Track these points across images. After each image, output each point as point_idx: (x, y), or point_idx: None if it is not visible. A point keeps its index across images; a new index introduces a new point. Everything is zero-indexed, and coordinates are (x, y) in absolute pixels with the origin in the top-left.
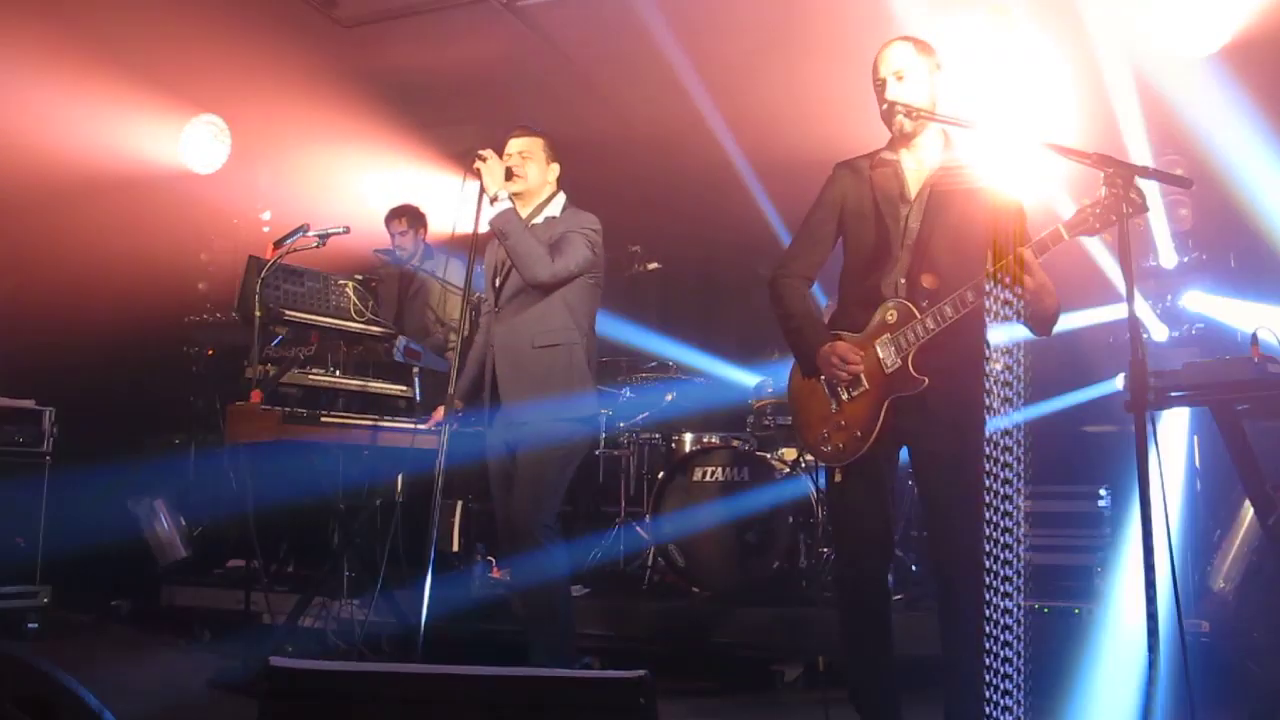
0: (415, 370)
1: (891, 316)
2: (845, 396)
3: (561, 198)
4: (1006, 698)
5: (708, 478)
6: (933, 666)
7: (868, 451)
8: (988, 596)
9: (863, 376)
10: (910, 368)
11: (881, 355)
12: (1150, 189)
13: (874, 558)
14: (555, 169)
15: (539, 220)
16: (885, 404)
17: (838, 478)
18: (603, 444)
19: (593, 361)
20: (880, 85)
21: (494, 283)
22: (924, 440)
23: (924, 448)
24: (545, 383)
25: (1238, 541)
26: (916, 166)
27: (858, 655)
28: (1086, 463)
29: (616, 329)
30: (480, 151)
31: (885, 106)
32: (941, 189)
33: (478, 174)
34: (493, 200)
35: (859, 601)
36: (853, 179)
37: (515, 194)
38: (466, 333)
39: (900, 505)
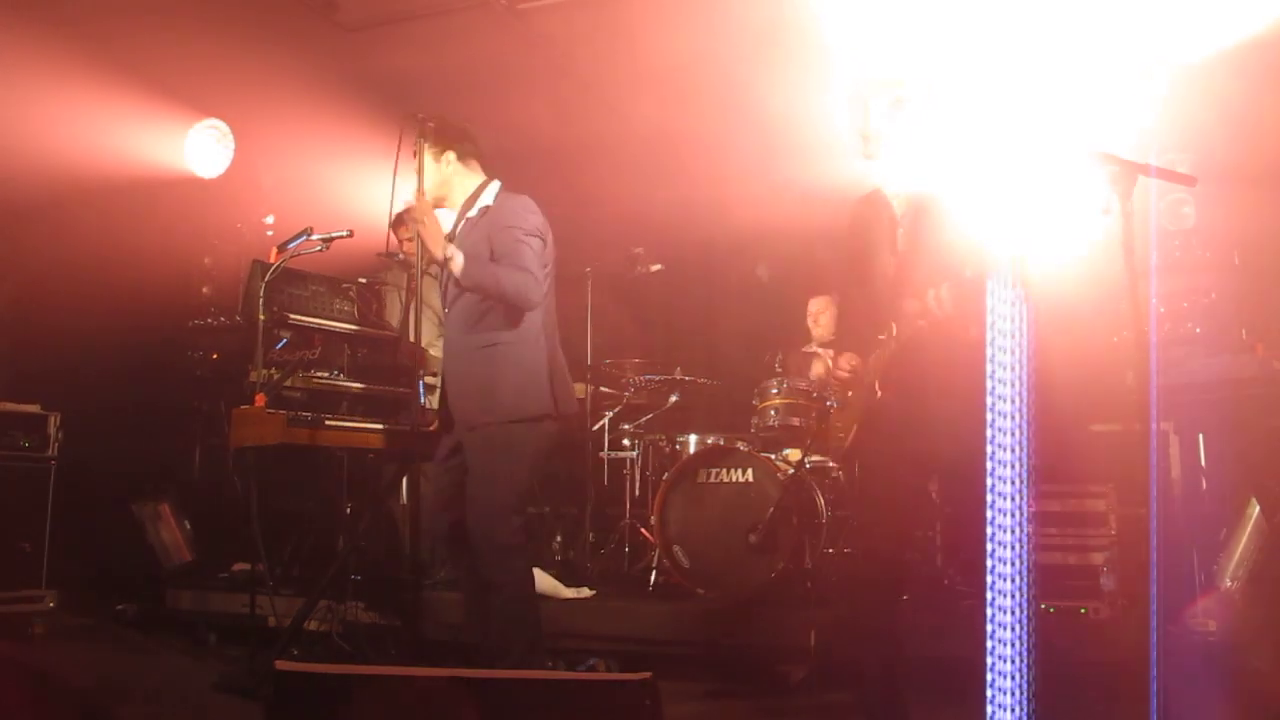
0: (420, 374)
1: (886, 334)
2: (841, 401)
3: (495, 185)
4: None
5: (712, 479)
6: (933, 667)
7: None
8: (991, 596)
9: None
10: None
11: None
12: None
13: (889, 556)
14: (450, 155)
15: (473, 213)
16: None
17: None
18: (607, 445)
19: (552, 354)
20: None
21: (442, 287)
22: (923, 444)
23: (924, 451)
24: (487, 384)
25: (1244, 539)
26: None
27: (867, 655)
28: (1092, 461)
29: (620, 331)
30: (411, 209)
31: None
32: (920, 208)
33: (420, 236)
34: (444, 263)
35: (873, 601)
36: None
37: (438, 203)
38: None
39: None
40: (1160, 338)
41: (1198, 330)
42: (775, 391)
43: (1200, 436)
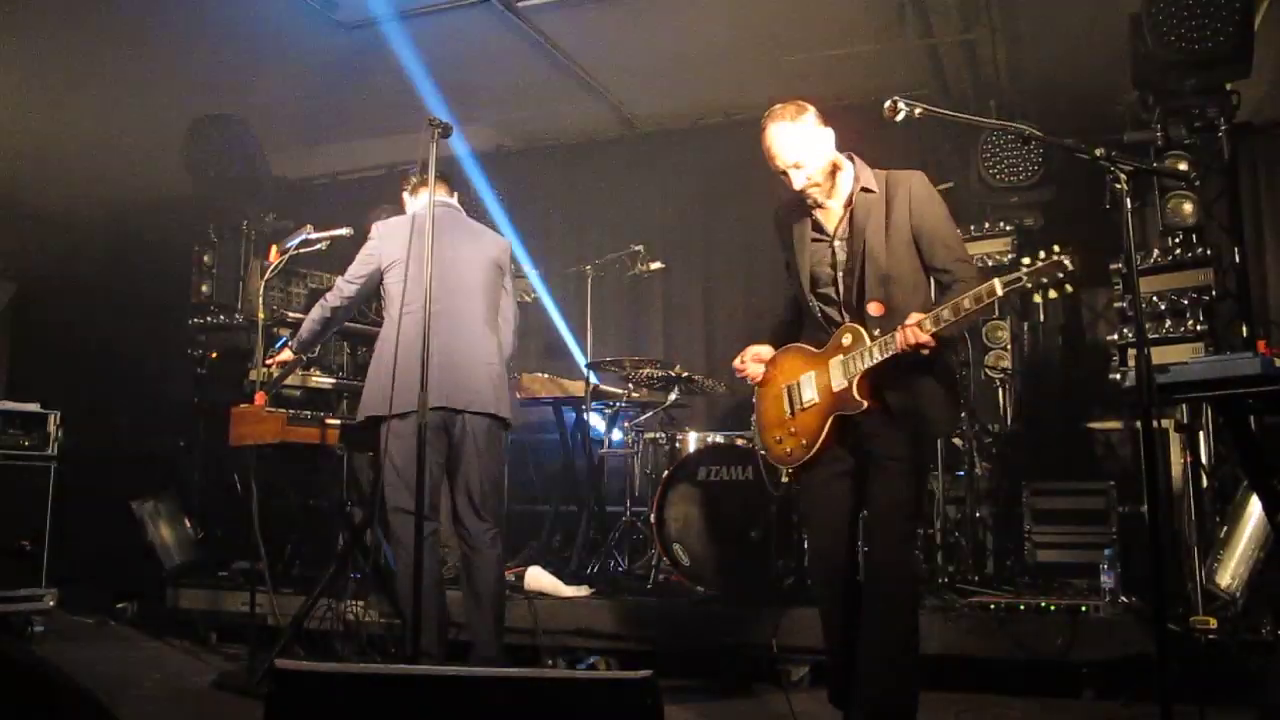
0: None
1: (846, 339)
2: (799, 406)
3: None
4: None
5: (712, 477)
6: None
7: (813, 458)
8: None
9: (815, 391)
10: (854, 390)
11: (832, 375)
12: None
13: (833, 555)
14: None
15: None
16: (830, 419)
17: (784, 478)
18: (606, 444)
19: (391, 349)
20: (784, 175)
21: None
22: (870, 448)
23: (871, 455)
24: None
25: (1244, 538)
26: (835, 201)
27: (830, 645)
28: (1092, 459)
29: (621, 329)
30: None
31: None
32: (857, 218)
33: None
34: None
35: (825, 596)
36: (786, 219)
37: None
38: None
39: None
40: (1160, 335)
41: (1198, 328)
42: None
43: (1200, 434)
